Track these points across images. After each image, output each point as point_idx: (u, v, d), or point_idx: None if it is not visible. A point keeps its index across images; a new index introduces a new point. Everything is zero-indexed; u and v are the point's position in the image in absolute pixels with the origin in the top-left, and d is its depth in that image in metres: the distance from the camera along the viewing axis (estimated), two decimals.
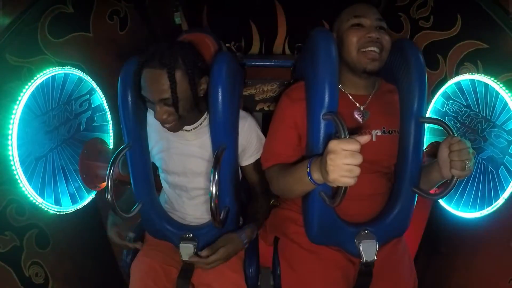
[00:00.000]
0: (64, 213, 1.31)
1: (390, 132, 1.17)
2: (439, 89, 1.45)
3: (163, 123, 1.10)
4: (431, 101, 1.49)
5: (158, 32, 1.80)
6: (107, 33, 1.53)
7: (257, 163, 1.28)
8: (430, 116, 1.47)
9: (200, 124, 1.22)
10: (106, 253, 1.68)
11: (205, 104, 1.19)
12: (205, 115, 1.23)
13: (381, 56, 1.10)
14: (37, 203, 1.19)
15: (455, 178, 0.98)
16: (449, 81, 1.39)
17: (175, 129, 1.13)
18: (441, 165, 1.03)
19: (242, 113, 1.27)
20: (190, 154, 1.24)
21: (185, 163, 1.24)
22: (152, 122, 1.25)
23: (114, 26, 1.57)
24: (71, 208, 1.35)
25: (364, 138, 0.81)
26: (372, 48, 1.09)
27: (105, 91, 1.50)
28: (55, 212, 1.27)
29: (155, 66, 1.03)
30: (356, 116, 1.17)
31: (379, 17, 1.13)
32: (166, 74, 1.02)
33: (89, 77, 1.41)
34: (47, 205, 1.23)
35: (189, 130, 1.22)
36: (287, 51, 2.00)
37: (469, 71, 1.31)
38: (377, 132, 1.16)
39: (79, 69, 1.36)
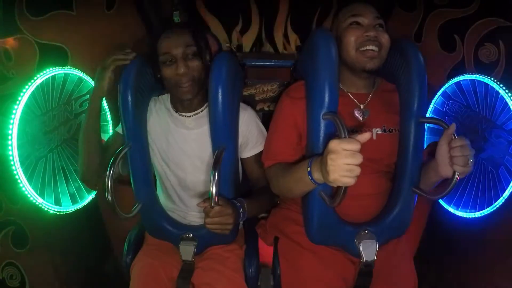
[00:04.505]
0: (64, 213, 1.31)
1: (391, 130, 1.17)
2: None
3: (183, 76, 1.14)
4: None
5: (150, 13, 1.65)
6: (92, 11, 1.41)
7: (259, 156, 1.27)
8: (430, 116, 1.47)
9: (201, 111, 1.25)
10: (106, 253, 1.67)
11: (205, 93, 1.20)
12: (206, 104, 1.25)
13: (380, 54, 1.10)
14: (37, 203, 1.18)
15: (456, 176, 0.98)
16: (449, 83, 1.38)
17: (191, 91, 1.16)
18: (439, 162, 1.02)
19: (242, 105, 1.28)
20: (190, 151, 1.25)
21: (185, 156, 1.25)
22: (156, 113, 1.27)
23: (100, 4, 1.46)
24: (71, 208, 1.35)
25: (365, 136, 0.80)
26: (370, 47, 1.09)
27: (84, 67, 1.37)
28: (55, 212, 1.26)
29: (177, 29, 1.17)
30: (357, 114, 1.17)
31: (377, 15, 1.13)
32: (190, 33, 1.15)
33: (89, 78, 1.41)
34: (47, 205, 1.23)
35: (190, 116, 1.25)
36: (290, 31, 1.82)
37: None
38: (377, 131, 1.17)
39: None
